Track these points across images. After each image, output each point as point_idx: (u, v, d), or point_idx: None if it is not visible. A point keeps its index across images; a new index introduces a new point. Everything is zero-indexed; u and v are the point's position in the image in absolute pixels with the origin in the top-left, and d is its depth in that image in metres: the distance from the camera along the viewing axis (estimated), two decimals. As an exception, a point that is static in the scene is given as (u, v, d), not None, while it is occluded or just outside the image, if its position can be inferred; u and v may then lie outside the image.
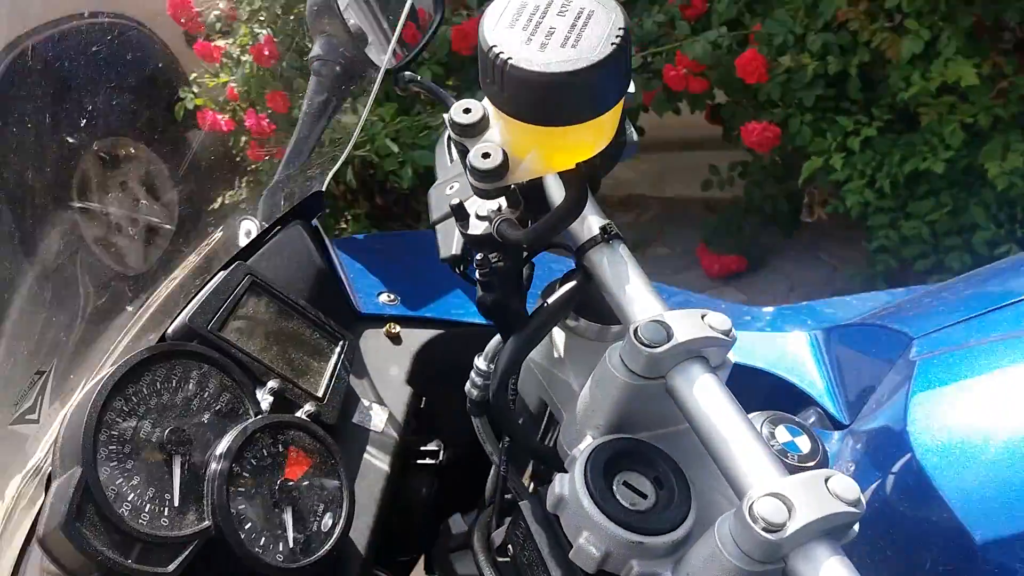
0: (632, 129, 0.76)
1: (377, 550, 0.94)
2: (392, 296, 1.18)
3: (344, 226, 3.15)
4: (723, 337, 0.56)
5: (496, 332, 0.77)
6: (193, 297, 0.90)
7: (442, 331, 1.15)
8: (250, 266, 0.97)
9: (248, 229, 1.21)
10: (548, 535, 0.61)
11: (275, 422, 0.83)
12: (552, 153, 0.57)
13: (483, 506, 0.95)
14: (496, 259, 0.66)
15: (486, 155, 0.57)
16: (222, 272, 0.95)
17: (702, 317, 0.57)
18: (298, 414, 0.89)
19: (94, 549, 0.66)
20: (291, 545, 0.78)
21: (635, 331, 0.55)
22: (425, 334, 1.14)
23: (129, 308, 1.01)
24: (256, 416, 0.84)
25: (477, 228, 0.69)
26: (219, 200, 1.23)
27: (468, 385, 0.80)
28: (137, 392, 0.76)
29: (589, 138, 0.57)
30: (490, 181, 0.57)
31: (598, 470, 0.55)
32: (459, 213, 0.71)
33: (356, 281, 1.17)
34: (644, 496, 0.56)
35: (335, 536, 0.82)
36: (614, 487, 0.56)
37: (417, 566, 1.19)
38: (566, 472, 0.58)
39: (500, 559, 0.77)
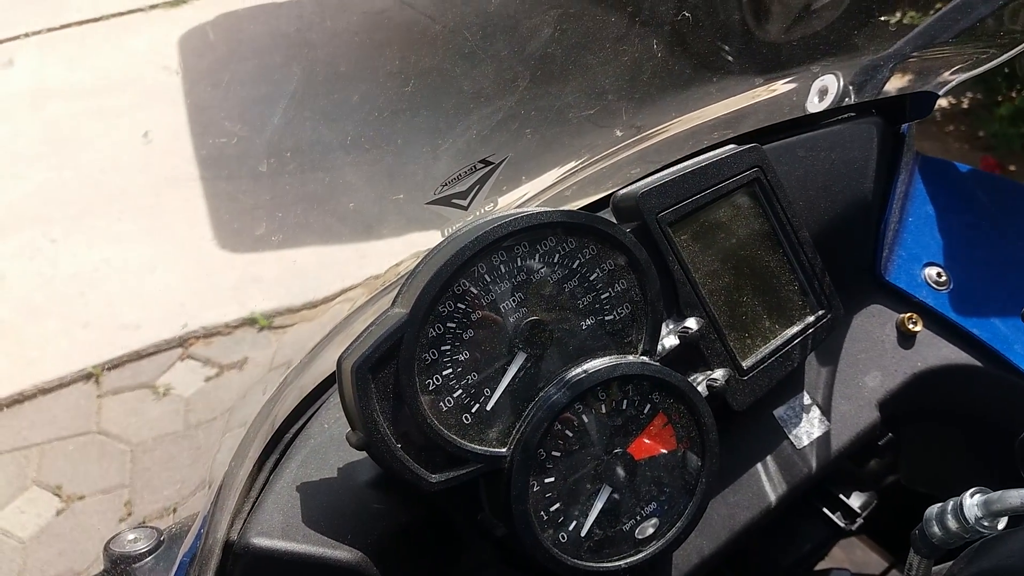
0: None
1: None
2: (944, 276, 0.80)
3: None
4: None
5: None
6: (669, 165, 0.67)
7: (978, 363, 0.76)
8: (766, 154, 0.69)
9: (825, 87, 0.90)
10: None
11: (660, 378, 0.60)
12: None
13: None
14: None
15: None
16: (727, 148, 0.69)
17: None
18: (696, 379, 0.65)
19: (370, 409, 0.54)
20: (582, 534, 0.59)
21: None
22: (952, 353, 0.77)
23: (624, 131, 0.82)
24: (641, 356, 0.62)
25: None
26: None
27: (946, 511, 0.57)
28: (522, 256, 0.58)
29: None
30: None
31: None
32: None
33: (907, 231, 0.81)
34: None
35: (644, 554, 0.60)
36: None
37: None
38: None
39: None
